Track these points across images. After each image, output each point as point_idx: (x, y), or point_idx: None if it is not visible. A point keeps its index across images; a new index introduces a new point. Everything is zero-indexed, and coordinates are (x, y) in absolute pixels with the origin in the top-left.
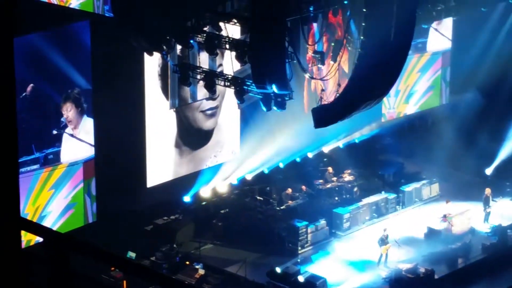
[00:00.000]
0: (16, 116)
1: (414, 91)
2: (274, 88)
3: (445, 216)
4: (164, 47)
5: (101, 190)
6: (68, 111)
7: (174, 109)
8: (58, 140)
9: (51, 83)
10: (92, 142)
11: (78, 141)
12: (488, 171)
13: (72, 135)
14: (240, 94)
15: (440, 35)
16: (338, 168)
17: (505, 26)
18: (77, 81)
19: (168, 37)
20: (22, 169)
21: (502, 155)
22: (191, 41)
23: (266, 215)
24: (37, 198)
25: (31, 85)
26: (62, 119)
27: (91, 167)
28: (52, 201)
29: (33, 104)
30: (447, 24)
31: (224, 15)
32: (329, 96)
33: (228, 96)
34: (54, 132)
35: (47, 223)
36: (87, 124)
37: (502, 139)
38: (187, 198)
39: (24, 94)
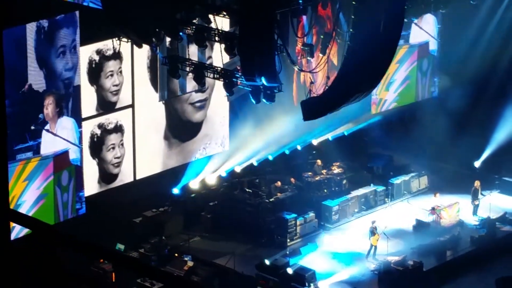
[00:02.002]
0: (5, 112)
1: (394, 80)
2: (263, 81)
3: (433, 208)
4: (154, 39)
5: (89, 182)
6: (48, 108)
7: (163, 101)
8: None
9: (46, 76)
10: (68, 138)
11: (55, 136)
12: (477, 164)
13: (48, 130)
14: (229, 87)
15: (418, 29)
16: (327, 160)
17: (494, 19)
18: (66, 74)
19: (157, 29)
20: (18, 156)
21: (490, 148)
22: (181, 33)
23: (255, 208)
24: (13, 188)
25: (29, 83)
26: (40, 116)
27: (61, 160)
28: (26, 191)
29: (30, 97)
30: (427, 19)
31: (214, 7)
32: (318, 89)
33: (217, 89)
34: (32, 127)
35: (21, 211)
36: (64, 121)
37: (490, 132)
38: (176, 190)
39: (23, 90)
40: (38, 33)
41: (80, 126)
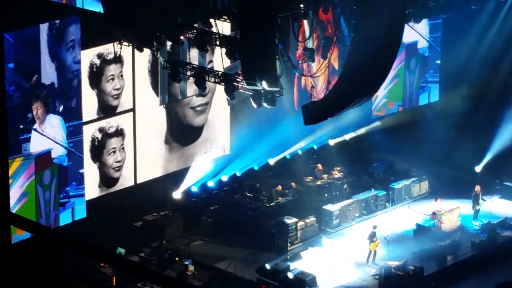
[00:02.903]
0: (6, 113)
1: None
2: (264, 85)
3: (434, 213)
4: (154, 43)
5: (90, 186)
6: (38, 109)
7: (164, 105)
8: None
9: (57, 68)
10: (55, 136)
11: (42, 135)
12: (478, 168)
13: (35, 130)
14: (230, 91)
15: (408, 29)
16: (327, 165)
17: (495, 23)
18: (75, 67)
19: (158, 33)
20: (23, 145)
21: (491, 152)
22: (181, 37)
23: (255, 212)
24: None
25: (36, 76)
26: (29, 115)
27: (43, 161)
28: (11, 189)
29: (38, 89)
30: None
31: (215, 11)
32: (319, 93)
33: (218, 93)
34: (21, 126)
35: None
36: (52, 119)
37: (491, 137)
38: (176, 194)
39: (31, 82)
40: (50, 29)
41: (67, 121)
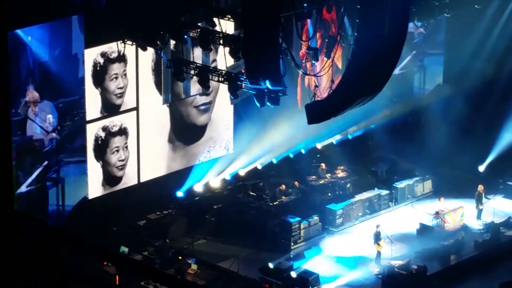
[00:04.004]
0: (10, 109)
1: None
2: (268, 84)
3: (437, 213)
4: (158, 42)
5: (94, 184)
6: (28, 95)
7: (168, 104)
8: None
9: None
10: (47, 121)
11: (33, 121)
12: (481, 168)
13: (28, 116)
14: (233, 90)
15: None
16: (331, 164)
17: (499, 23)
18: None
19: (162, 32)
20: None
21: (494, 152)
22: (185, 36)
23: (259, 211)
24: None
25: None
26: (21, 100)
27: (23, 147)
28: None
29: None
30: None
31: (218, 10)
32: (323, 92)
33: (222, 92)
34: (13, 111)
35: None
36: (43, 105)
37: (495, 136)
38: (180, 193)
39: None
40: None
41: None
